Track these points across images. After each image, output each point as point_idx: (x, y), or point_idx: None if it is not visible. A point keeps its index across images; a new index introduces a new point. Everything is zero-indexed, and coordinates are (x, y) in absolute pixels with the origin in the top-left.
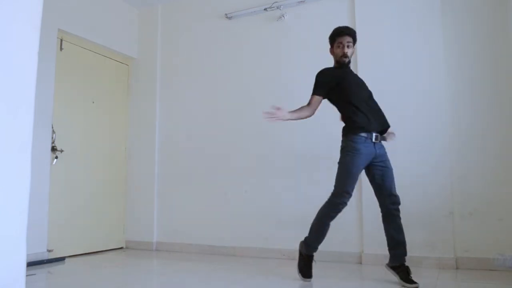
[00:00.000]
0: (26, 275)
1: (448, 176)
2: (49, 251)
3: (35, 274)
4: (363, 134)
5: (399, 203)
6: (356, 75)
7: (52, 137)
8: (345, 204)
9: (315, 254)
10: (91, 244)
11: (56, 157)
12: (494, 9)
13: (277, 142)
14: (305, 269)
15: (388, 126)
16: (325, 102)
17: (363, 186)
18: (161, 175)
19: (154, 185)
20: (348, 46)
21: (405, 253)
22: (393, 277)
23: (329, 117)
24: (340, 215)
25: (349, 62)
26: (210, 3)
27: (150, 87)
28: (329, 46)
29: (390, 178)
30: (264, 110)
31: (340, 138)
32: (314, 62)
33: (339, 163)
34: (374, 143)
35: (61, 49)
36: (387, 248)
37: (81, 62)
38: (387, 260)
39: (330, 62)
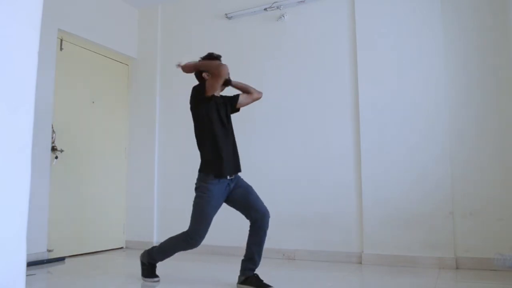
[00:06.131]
0: (26, 275)
1: (448, 176)
2: (49, 251)
3: (35, 274)
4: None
5: (269, 216)
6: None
7: (52, 137)
8: (197, 244)
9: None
10: (91, 244)
11: (56, 157)
12: (494, 12)
13: (277, 141)
14: (149, 273)
15: (240, 170)
16: (333, 109)
17: (363, 186)
18: (161, 175)
19: (154, 185)
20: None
21: (252, 268)
22: (393, 277)
23: (328, 119)
24: (340, 215)
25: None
26: (210, 3)
27: (150, 87)
28: (323, 49)
29: (253, 193)
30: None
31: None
32: (314, 62)
33: (193, 203)
34: (229, 180)
35: (61, 49)
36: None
37: (81, 62)
38: (387, 260)
39: (328, 62)
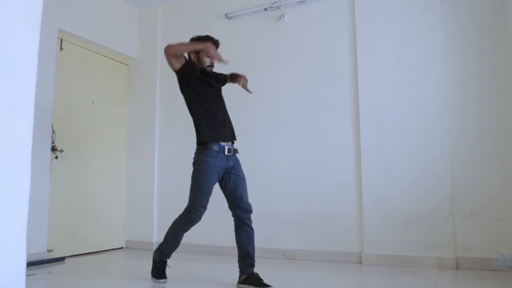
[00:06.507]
0: (26, 275)
1: (448, 176)
2: (49, 251)
3: (35, 274)
4: (215, 148)
5: (251, 211)
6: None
7: (52, 137)
8: (199, 218)
9: (168, 260)
10: (91, 244)
11: (56, 157)
12: (494, 12)
13: (276, 142)
14: (158, 273)
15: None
16: (329, 111)
17: (363, 186)
18: (161, 175)
19: (154, 185)
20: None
21: (252, 264)
22: (393, 277)
23: (328, 119)
24: (340, 215)
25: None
26: (210, 3)
27: (150, 87)
28: (323, 49)
29: (242, 185)
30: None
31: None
32: (314, 62)
33: (191, 177)
34: (227, 156)
35: (61, 49)
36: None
37: (81, 62)
38: (387, 260)
39: (328, 61)
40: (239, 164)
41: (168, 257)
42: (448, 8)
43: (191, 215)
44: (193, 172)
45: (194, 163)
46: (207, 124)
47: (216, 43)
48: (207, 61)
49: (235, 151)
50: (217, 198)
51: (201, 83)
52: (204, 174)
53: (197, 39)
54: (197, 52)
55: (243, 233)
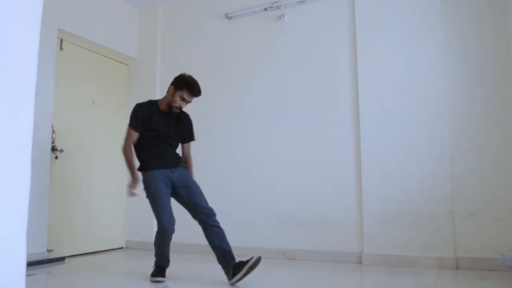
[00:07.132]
0: (26, 275)
1: (448, 176)
2: (49, 251)
3: (35, 274)
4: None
5: (214, 214)
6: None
7: (52, 137)
8: (172, 231)
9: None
10: (91, 244)
11: (56, 157)
12: (494, 12)
13: (277, 142)
14: (156, 273)
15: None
16: (331, 107)
17: (363, 186)
18: None
19: None
20: (187, 104)
21: (232, 257)
22: (393, 277)
23: (328, 119)
24: (340, 215)
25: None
26: (210, 3)
27: (150, 87)
28: (323, 49)
29: (197, 193)
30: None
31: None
32: (314, 62)
33: (148, 199)
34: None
35: (61, 49)
36: (230, 260)
37: (81, 62)
38: (387, 260)
39: (328, 62)
40: (188, 176)
41: (164, 266)
42: (448, 8)
43: (160, 231)
44: (145, 193)
45: (144, 187)
46: (150, 159)
47: (193, 91)
48: (176, 102)
49: (176, 163)
50: (216, 199)
51: (149, 128)
52: (154, 189)
53: (177, 81)
54: (175, 89)
55: (213, 235)
